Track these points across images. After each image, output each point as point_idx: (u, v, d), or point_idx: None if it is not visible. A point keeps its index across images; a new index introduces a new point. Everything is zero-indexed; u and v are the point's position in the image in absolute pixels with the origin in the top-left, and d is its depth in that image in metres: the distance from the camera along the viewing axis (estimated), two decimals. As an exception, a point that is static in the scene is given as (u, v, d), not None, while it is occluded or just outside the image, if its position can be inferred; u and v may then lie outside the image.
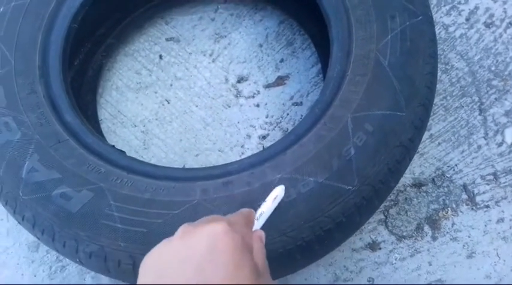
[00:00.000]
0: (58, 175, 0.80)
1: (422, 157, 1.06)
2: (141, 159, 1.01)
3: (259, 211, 0.68)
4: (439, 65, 1.04)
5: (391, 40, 0.85)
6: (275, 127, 1.11)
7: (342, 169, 0.76)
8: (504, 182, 1.03)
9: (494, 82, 1.11)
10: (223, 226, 0.53)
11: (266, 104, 1.14)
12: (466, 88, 1.11)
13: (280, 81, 1.16)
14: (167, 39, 1.23)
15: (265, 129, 1.11)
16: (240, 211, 0.66)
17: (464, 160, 1.05)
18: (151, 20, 1.25)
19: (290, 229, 0.74)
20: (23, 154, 0.83)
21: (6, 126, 0.85)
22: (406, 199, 1.03)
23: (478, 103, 1.10)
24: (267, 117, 1.12)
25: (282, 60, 1.17)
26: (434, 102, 1.04)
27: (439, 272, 0.98)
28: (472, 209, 1.02)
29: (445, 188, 1.04)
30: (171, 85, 1.18)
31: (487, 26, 1.16)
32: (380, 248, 1.00)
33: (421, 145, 1.05)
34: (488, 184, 1.03)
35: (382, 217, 1.03)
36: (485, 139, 1.07)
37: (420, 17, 0.87)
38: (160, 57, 1.21)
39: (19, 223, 0.85)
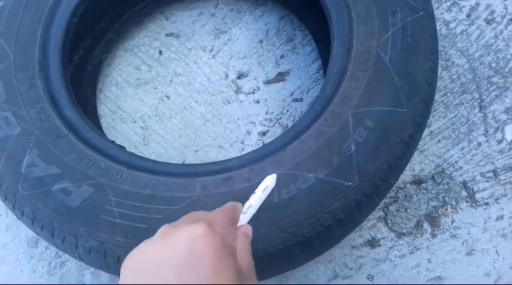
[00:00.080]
0: (58, 170, 0.80)
1: (422, 154, 1.06)
2: (140, 155, 1.01)
3: (247, 203, 0.66)
4: (439, 62, 1.04)
5: (392, 36, 0.85)
6: (275, 123, 1.11)
7: (342, 165, 0.76)
8: (504, 180, 1.03)
9: (495, 79, 1.11)
10: (202, 227, 0.52)
11: (266, 100, 1.13)
12: (466, 85, 1.11)
13: (281, 77, 1.16)
14: (167, 35, 1.23)
15: (265, 125, 1.11)
16: (224, 206, 0.64)
17: (464, 157, 1.05)
18: (151, 15, 1.24)
19: (290, 225, 0.74)
20: (23, 149, 0.83)
21: (6, 120, 0.85)
22: (405, 196, 1.03)
23: (479, 100, 1.09)
24: (267, 113, 1.12)
25: (282, 56, 1.17)
26: (435, 99, 1.04)
27: (439, 269, 0.98)
28: (472, 206, 1.02)
29: (445, 186, 1.04)
30: (171, 81, 1.18)
31: (488, 22, 1.16)
32: (379, 245, 1.00)
33: (421, 142, 1.05)
34: (488, 181, 1.03)
35: (382, 214, 1.02)
36: (485, 136, 1.07)
37: (421, 13, 0.87)
38: (160, 52, 1.21)
39: (18, 218, 0.85)
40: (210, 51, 1.20)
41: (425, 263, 0.98)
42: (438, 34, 0.98)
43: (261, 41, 1.19)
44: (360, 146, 0.77)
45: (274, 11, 1.22)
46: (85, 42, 1.14)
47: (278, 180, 0.76)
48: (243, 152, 1.09)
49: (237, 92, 1.15)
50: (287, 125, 1.10)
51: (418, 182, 1.04)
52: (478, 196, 1.02)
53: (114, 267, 0.78)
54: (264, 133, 1.10)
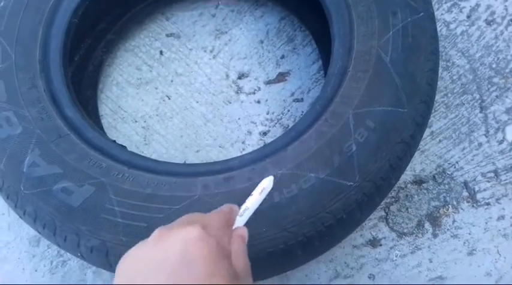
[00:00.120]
0: (59, 169, 0.80)
1: (423, 154, 1.06)
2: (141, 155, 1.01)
3: (244, 206, 0.66)
4: (440, 62, 1.04)
5: (393, 36, 0.85)
6: (276, 123, 1.11)
7: (343, 165, 0.76)
8: (505, 180, 1.03)
9: (495, 80, 1.11)
10: (197, 230, 0.52)
11: (267, 100, 1.14)
12: (467, 86, 1.11)
13: (281, 77, 1.16)
14: (168, 35, 1.23)
15: (266, 126, 1.11)
16: (220, 208, 0.64)
17: (465, 157, 1.05)
18: (151, 16, 1.25)
19: (291, 224, 0.74)
20: (24, 149, 0.83)
21: (7, 120, 0.85)
22: (406, 195, 1.03)
23: (479, 101, 1.10)
24: (267, 113, 1.12)
25: (282, 57, 1.17)
26: (435, 99, 1.04)
27: (440, 269, 0.98)
28: (473, 206, 1.02)
29: (446, 186, 1.04)
30: (172, 81, 1.18)
31: (488, 23, 1.16)
32: (381, 245, 1.00)
33: (422, 142, 1.05)
34: (489, 182, 1.03)
35: (383, 213, 1.03)
36: (486, 137, 1.07)
37: (422, 13, 0.87)
38: (161, 52, 1.21)
39: (20, 217, 0.85)
40: (211, 51, 1.20)
41: (426, 263, 0.98)
42: (439, 35, 0.99)
43: (262, 42, 1.19)
44: (361, 146, 0.77)
45: (274, 11, 1.22)
46: (86, 43, 1.14)
47: (279, 180, 0.76)
48: (244, 152, 1.09)
49: (237, 92, 1.15)
50: (288, 125, 1.11)
51: (419, 182, 1.04)
52: (479, 196, 1.02)
53: (116, 266, 0.78)
54: (264, 133, 1.11)
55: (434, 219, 1.01)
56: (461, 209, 1.02)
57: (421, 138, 0.90)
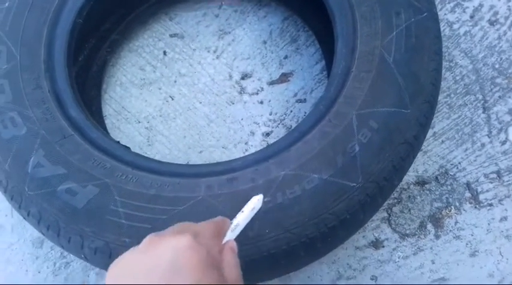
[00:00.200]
0: (63, 170, 0.80)
1: (426, 155, 1.06)
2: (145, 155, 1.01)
3: (235, 221, 0.67)
4: (443, 63, 1.04)
5: (396, 36, 0.85)
6: (279, 124, 1.11)
7: (347, 166, 0.77)
8: (507, 181, 1.03)
9: (498, 80, 1.11)
10: (187, 238, 0.52)
11: (270, 101, 1.14)
12: (470, 86, 1.11)
13: (284, 78, 1.16)
14: (171, 35, 1.23)
15: (268, 126, 1.11)
16: (213, 219, 0.64)
17: (468, 158, 1.05)
18: (155, 16, 1.25)
19: (294, 225, 0.75)
20: (29, 150, 0.83)
21: (12, 121, 0.86)
22: (409, 197, 1.03)
23: (482, 101, 1.10)
24: (270, 114, 1.12)
25: (286, 57, 1.17)
26: (438, 100, 1.04)
27: (442, 270, 0.98)
28: (475, 207, 1.02)
29: (449, 187, 1.04)
30: (175, 81, 1.18)
31: (491, 23, 1.16)
32: (383, 246, 1.00)
33: (424, 143, 1.05)
34: (491, 183, 1.03)
35: (386, 215, 1.03)
36: (489, 137, 1.07)
37: (425, 14, 0.87)
38: (165, 53, 1.21)
39: (24, 218, 0.85)
40: (214, 51, 1.20)
41: (428, 264, 0.98)
42: (442, 35, 0.98)
43: (265, 42, 1.19)
44: (364, 147, 0.77)
45: (277, 11, 1.22)
46: (90, 43, 1.15)
47: (282, 180, 0.76)
48: (247, 153, 1.09)
49: (241, 93, 1.15)
50: (291, 126, 1.11)
51: (421, 183, 1.04)
52: (481, 197, 1.02)
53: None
54: (267, 134, 1.11)
55: (436, 220, 1.01)
56: (464, 210, 1.02)
57: (425, 138, 0.90)
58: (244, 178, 0.78)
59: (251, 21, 1.22)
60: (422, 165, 1.05)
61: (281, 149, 0.81)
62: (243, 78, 1.17)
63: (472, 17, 1.17)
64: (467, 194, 1.03)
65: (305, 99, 1.13)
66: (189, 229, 0.56)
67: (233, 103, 1.15)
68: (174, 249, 0.51)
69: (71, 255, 1.04)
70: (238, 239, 0.64)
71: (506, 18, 1.16)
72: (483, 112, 1.09)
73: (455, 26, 1.17)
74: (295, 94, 1.14)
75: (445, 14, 1.18)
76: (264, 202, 0.74)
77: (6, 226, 1.11)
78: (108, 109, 1.17)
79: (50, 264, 1.07)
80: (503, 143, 1.06)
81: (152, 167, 0.82)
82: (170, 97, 1.17)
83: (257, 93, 1.15)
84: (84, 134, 0.86)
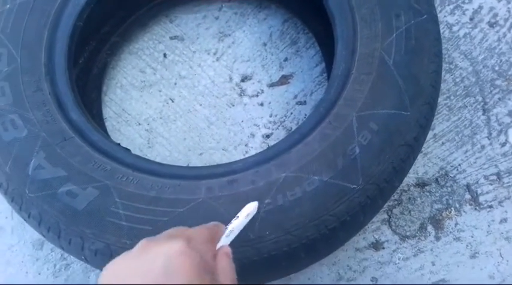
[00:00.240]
0: (64, 172, 0.81)
1: (426, 156, 1.06)
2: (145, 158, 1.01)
3: (230, 226, 0.66)
4: (442, 65, 1.04)
5: (396, 39, 0.85)
6: (279, 126, 1.11)
7: (347, 168, 0.77)
8: (507, 183, 1.03)
9: (498, 82, 1.11)
10: (181, 243, 0.52)
11: (270, 103, 1.14)
12: (469, 88, 1.11)
13: (284, 80, 1.16)
14: (171, 38, 1.23)
15: (269, 128, 1.12)
16: (207, 225, 0.64)
17: (468, 160, 1.05)
18: (155, 18, 1.25)
19: (295, 227, 0.75)
20: (30, 152, 0.83)
21: (13, 123, 0.86)
22: (409, 198, 1.04)
23: (482, 103, 1.10)
24: (270, 116, 1.13)
25: (286, 59, 1.18)
26: (438, 102, 1.04)
27: (442, 272, 0.98)
28: (476, 209, 1.02)
29: (449, 188, 1.04)
30: (175, 83, 1.18)
31: (491, 25, 1.16)
32: (383, 248, 1.01)
33: (424, 145, 1.05)
34: (491, 184, 1.03)
35: (386, 216, 1.03)
36: (489, 139, 1.07)
37: (425, 16, 0.87)
38: (165, 55, 1.21)
39: (25, 220, 0.85)
40: (214, 54, 1.20)
41: (429, 266, 0.98)
42: (441, 37, 0.99)
43: (265, 44, 1.20)
44: (364, 149, 0.78)
45: (277, 14, 1.23)
46: (90, 45, 1.15)
47: (283, 182, 0.76)
48: (247, 155, 1.09)
49: (241, 95, 1.16)
50: (291, 128, 1.11)
51: (421, 185, 1.04)
52: (481, 198, 1.02)
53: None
54: (268, 136, 1.11)
55: (436, 222, 1.01)
56: (464, 212, 1.02)
57: (425, 140, 0.90)
58: (245, 180, 0.79)
59: (251, 24, 1.22)
60: (422, 167, 1.06)
61: (281, 151, 0.81)
62: (243, 80, 1.17)
63: (471, 19, 1.17)
64: (467, 196, 1.03)
65: (305, 101, 1.13)
66: (182, 234, 0.56)
67: (233, 105, 1.15)
68: (167, 254, 0.51)
69: (71, 257, 1.04)
70: (234, 243, 0.63)
71: (506, 20, 1.16)
72: (483, 114, 1.09)
73: (455, 28, 1.17)
74: (295, 96, 1.14)
75: (444, 16, 1.18)
76: (264, 204, 0.74)
77: (7, 228, 1.11)
78: (109, 112, 1.17)
79: (50, 266, 1.07)
80: (503, 145, 1.06)
81: (152, 169, 0.83)
82: (170, 99, 1.17)
83: (257, 95, 1.15)
84: (85, 136, 0.86)
